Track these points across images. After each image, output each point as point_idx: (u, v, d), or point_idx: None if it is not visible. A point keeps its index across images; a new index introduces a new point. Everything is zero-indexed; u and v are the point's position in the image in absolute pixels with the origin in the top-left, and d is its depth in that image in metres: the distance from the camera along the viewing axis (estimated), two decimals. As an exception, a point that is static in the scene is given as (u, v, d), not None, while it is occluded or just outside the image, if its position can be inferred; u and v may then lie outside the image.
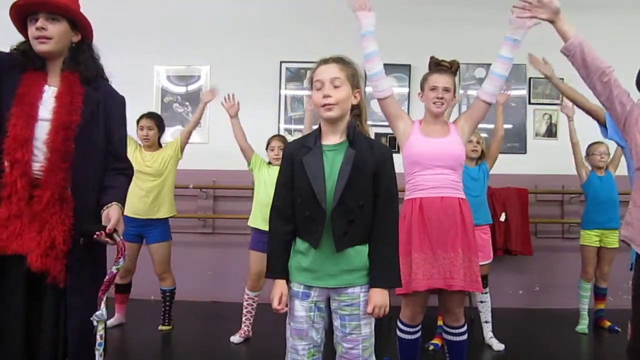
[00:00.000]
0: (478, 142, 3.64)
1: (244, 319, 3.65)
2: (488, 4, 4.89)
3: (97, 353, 1.83)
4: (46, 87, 1.86)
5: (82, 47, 1.96)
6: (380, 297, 1.76)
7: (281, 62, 4.97)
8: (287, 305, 1.82)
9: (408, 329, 2.55)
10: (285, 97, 5.00)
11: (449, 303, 2.51)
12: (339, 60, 1.83)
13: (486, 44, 4.87)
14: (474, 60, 4.89)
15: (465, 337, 2.56)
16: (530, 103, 4.94)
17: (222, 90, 4.92)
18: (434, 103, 2.53)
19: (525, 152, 4.86)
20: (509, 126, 4.87)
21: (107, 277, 1.88)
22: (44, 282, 1.79)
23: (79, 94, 1.89)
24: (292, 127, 4.96)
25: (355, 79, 1.84)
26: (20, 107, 1.79)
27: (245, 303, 3.64)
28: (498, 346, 3.50)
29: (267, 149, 3.68)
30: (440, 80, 2.53)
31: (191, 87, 5.03)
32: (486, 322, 3.61)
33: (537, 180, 4.79)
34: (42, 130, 1.82)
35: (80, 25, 1.95)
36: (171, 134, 4.93)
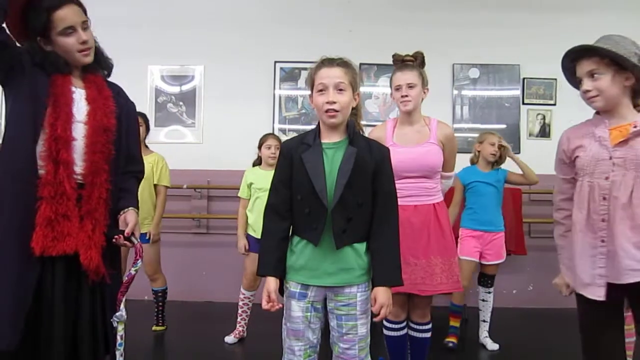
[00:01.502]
0: (500, 147, 3.53)
1: (239, 318, 3.64)
2: (482, 5, 4.92)
3: (117, 353, 1.89)
4: (73, 89, 1.86)
5: (96, 46, 1.97)
6: (384, 296, 1.76)
7: (275, 62, 4.96)
8: (278, 304, 1.80)
9: (393, 326, 2.57)
10: (280, 97, 4.99)
11: (417, 302, 2.54)
12: (342, 64, 1.82)
13: (480, 45, 4.93)
14: (468, 60, 4.91)
15: (429, 334, 2.59)
16: (524, 103, 4.95)
17: (216, 90, 4.95)
18: (401, 102, 2.53)
19: (519, 152, 4.85)
20: (503, 126, 4.89)
21: (126, 278, 1.95)
22: (81, 279, 1.82)
23: (109, 97, 1.93)
24: (287, 127, 4.95)
25: (356, 81, 1.84)
26: (58, 107, 1.78)
27: (240, 303, 3.63)
28: (492, 346, 3.52)
29: (260, 147, 3.63)
30: (402, 78, 2.51)
31: (185, 87, 5.01)
32: (484, 321, 3.61)
33: (530, 180, 4.80)
34: (79, 132, 1.83)
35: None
36: (165, 134, 4.93)
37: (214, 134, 4.89)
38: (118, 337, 1.89)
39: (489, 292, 3.60)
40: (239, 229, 3.62)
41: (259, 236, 3.42)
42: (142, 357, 3.38)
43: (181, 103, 5.00)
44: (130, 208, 1.95)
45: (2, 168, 1.78)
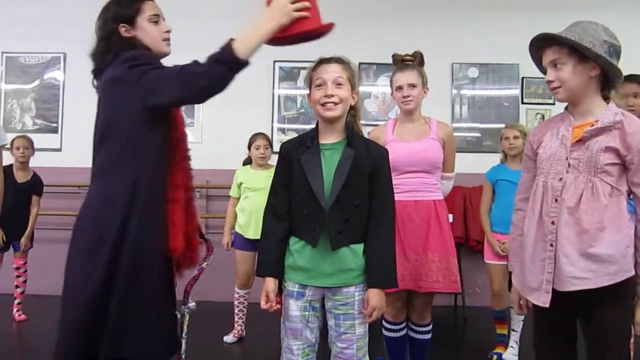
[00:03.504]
0: (515, 138, 3.25)
1: (236, 318, 3.65)
2: (481, 4, 4.92)
3: (183, 341, 1.95)
4: None
5: None
6: (377, 298, 1.76)
7: (274, 62, 4.96)
8: (277, 304, 1.81)
9: (393, 327, 2.57)
10: (279, 96, 4.99)
11: (416, 302, 2.53)
12: (341, 61, 1.85)
13: (479, 44, 4.92)
14: (467, 59, 4.91)
15: (429, 335, 2.58)
16: (523, 102, 4.96)
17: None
18: (402, 102, 2.54)
19: (518, 152, 4.88)
20: (502, 125, 4.86)
21: (197, 271, 2.03)
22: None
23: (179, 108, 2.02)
24: (286, 126, 4.95)
25: (354, 80, 1.85)
26: (175, 110, 1.88)
27: (236, 302, 3.63)
28: (512, 358, 3.29)
29: (250, 147, 3.62)
30: (403, 78, 2.53)
31: (184, 86, 4.99)
32: (513, 330, 3.33)
33: (529, 179, 4.81)
34: None
35: None
36: (164, 133, 4.92)
37: (213, 134, 4.89)
38: (185, 327, 1.96)
39: None
40: (226, 225, 3.65)
41: (247, 235, 3.45)
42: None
43: (180, 102, 4.99)
44: None
45: (134, 175, 1.72)
